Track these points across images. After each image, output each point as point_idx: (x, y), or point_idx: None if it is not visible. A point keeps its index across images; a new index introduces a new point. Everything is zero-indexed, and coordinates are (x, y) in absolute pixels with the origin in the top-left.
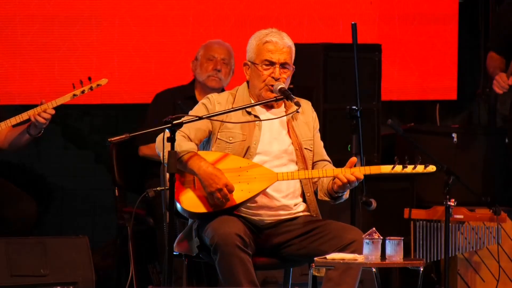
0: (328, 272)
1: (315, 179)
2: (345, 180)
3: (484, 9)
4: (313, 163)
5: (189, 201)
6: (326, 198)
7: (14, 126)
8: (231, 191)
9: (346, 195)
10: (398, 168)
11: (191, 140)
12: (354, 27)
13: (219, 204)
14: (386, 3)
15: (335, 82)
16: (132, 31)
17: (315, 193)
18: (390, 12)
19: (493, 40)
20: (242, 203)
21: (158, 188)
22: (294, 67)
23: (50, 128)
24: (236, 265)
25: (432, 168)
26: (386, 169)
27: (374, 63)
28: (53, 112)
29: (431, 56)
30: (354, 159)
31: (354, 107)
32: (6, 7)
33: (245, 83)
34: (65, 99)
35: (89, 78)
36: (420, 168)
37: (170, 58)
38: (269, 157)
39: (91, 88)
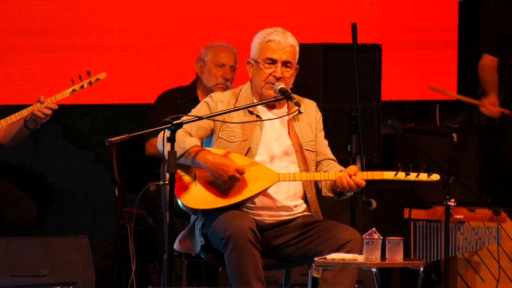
0: (324, 273)
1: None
2: (347, 187)
3: (484, 9)
4: (317, 162)
5: (189, 197)
6: (330, 194)
7: None
8: (242, 173)
9: (351, 192)
10: (401, 175)
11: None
12: (354, 27)
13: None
14: (386, 3)
15: (335, 82)
16: (132, 31)
17: (317, 193)
18: (390, 12)
19: (484, 41)
20: (242, 202)
21: (159, 182)
22: (298, 66)
23: (50, 128)
24: (247, 259)
25: (435, 176)
26: (389, 175)
27: (374, 63)
28: (56, 107)
29: (431, 56)
30: (354, 168)
31: (354, 107)
32: (6, 7)
33: (248, 83)
34: (64, 94)
35: (88, 73)
36: (423, 176)
37: (170, 58)
38: (269, 158)
39: (90, 83)
